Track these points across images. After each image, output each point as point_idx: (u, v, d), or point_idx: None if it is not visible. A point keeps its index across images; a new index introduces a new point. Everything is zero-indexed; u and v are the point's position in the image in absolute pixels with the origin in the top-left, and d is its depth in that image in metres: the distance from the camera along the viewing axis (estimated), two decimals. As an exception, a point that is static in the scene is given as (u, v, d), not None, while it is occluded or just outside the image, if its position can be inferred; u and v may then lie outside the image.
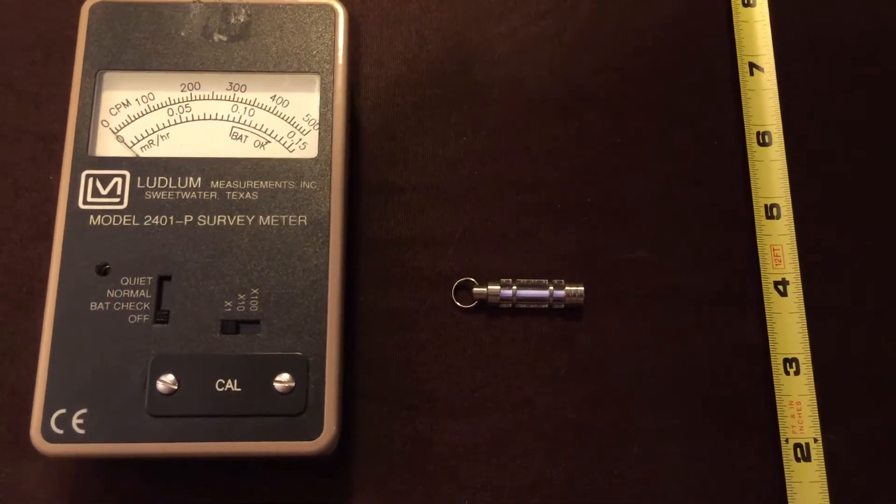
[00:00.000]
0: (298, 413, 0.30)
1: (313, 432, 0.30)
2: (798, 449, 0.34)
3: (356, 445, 0.34)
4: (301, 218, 0.32)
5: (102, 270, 0.31)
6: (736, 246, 0.37)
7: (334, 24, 0.35)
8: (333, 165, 0.33)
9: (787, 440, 0.34)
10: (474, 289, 0.36)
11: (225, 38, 0.34)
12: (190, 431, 0.30)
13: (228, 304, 0.31)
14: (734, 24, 0.40)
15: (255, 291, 0.31)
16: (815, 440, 0.34)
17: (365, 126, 0.38)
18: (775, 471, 0.34)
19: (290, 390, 0.30)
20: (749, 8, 0.40)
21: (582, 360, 0.35)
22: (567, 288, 0.35)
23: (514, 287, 0.35)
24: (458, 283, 0.36)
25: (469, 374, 0.35)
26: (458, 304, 0.36)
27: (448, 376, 0.35)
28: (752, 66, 0.39)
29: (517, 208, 0.37)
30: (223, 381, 0.30)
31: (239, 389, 0.30)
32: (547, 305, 0.35)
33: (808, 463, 0.34)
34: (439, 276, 0.36)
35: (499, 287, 0.35)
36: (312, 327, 0.31)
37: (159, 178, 0.33)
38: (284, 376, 0.30)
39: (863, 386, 0.35)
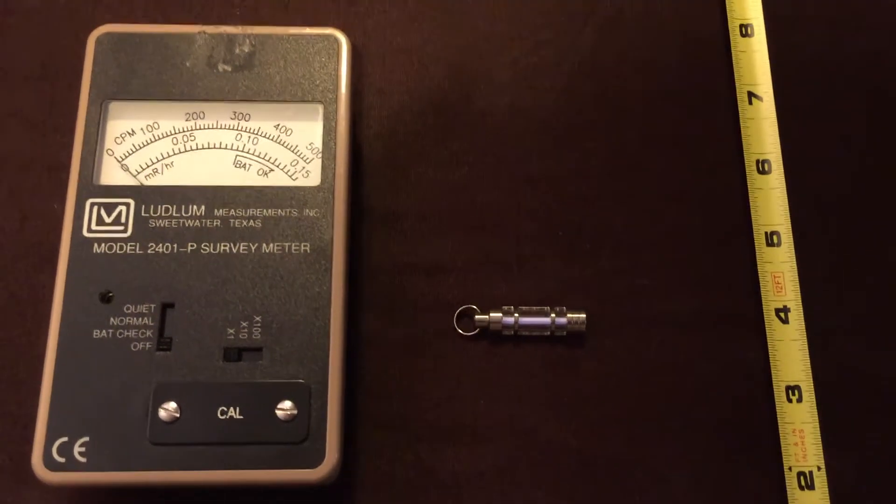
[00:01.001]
0: (301, 441, 0.30)
1: (315, 460, 0.30)
2: (801, 477, 0.34)
3: (359, 473, 0.34)
4: (304, 246, 0.33)
5: (106, 298, 0.31)
6: (738, 272, 0.37)
7: (337, 54, 0.35)
8: (336, 193, 0.33)
9: (790, 468, 0.34)
10: (476, 316, 0.36)
11: (229, 68, 0.35)
12: (192, 460, 0.30)
13: (231, 331, 0.31)
14: (733, 53, 0.40)
15: (257, 319, 0.32)
16: (819, 468, 0.34)
17: (367, 154, 0.39)
18: (780, 497, 0.34)
19: (293, 418, 0.30)
20: (747, 38, 0.40)
21: (585, 387, 0.35)
22: (569, 315, 0.35)
23: (516, 314, 0.35)
24: (460, 311, 0.36)
25: (471, 401, 0.35)
26: (460, 331, 0.36)
27: (450, 404, 0.35)
28: (750, 94, 0.39)
29: (519, 235, 0.37)
30: (225, 409, 0.30)
31: (241, 417, 0.30)
32: (549, 333, 0.36)
33: (811, 491, 0.34)
34: (441, 303, 0.36)
35: (501, 314, 0.35)
36: (315, 355, 0.31)
37: (163, 206, 0.33)
38: (287, 404, 0.30)
39: (866, 413, 0.35)
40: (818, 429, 0.34)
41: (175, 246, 0.32)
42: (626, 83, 0.40)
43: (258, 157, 0.34)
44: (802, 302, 0.36)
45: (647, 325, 0.36)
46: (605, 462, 0.34)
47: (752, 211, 0.38)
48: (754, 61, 0.40)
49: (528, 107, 0.39)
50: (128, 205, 0.33)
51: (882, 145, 0.39)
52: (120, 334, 0.31)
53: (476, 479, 0.34)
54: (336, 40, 0.36)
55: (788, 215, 0.37)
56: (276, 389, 0.31)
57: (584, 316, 0.35)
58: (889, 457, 0.35)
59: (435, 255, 0.37)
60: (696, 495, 0.34)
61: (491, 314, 0.36)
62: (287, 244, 0.33)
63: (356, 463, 0.34)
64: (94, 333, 0.31)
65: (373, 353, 0.35)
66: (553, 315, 0.35)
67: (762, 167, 0.38)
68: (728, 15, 0.41)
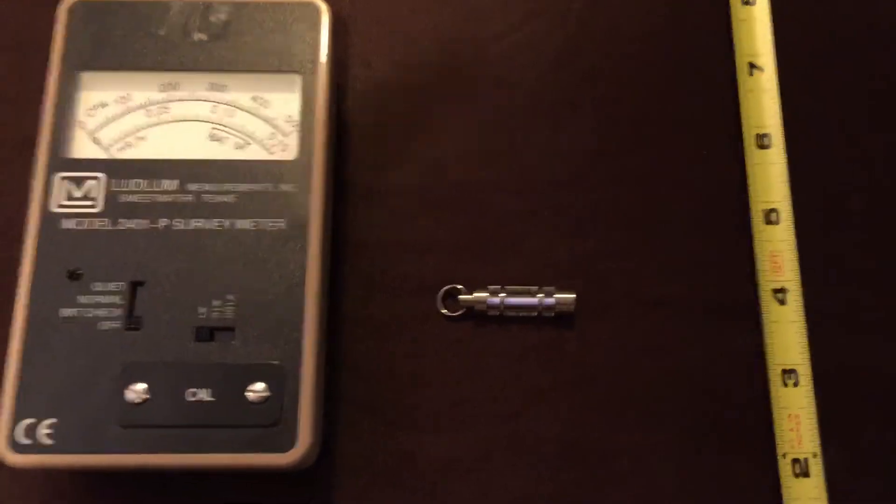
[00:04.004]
0: (272, 424, 0.29)
1: (287, 444, 0.29)
2: (796, 464, 0.33)
3: (336, 457, 0.33)
4: (279, 222, 0.31)
5: (74, 275, 0.30)
6: (733, 253, 0.36)
7: (317, 23, 0.34)
8: (313, 167, 0.32)
9: (784, 455, 0.33)
10: (461, 296, 0.35)
11: (205, 37, 0.34)
12: (160, 442, 0.29)
13: (203, 310, 0.30)
14: (733, 22, 0.38)
15: (230, 298, 0.30)
16: (815, 455, 0.33)
17: (352, 128, 0.37)
18: (773, 487, 0.33)
19: (265, 400, 0.29)
20: (749, 6, 0.38)
21: (572, 371, 0.34)
22: (557, 296, 0.34)
23: (503, 294, 0.34)
24: (445, 290, 0.35)
25: (454, 384, 0.34)
26: (444, 311, 0.35)
27: (433, 387, 0.34)
28: (751, 66, 0.38)
29: (507, 213, 0.36)
30: (195, 391, 0.29)
31: (212, 399, 0.29)
32: (536, 314, 0.34)
33: (806, 479, 0.32)
34: (425, 282, 0.35)
35: (486, 294, 0.34)
36: (288, 335, 0.30)
37: (135, 180, 0.32)
38: (258, 386, 0.29)
39: (865, 398, 0.34)
40: (814, 414, 0.33)
41: (146, 222, 0.31)
42: (619, 55, 0.38)
43: (234, 129, 0.33)
44: (801, 283, 0.35)
45: (638, 308, 0.35)
46: (591, 449, 0.33)
47: (751, 187, 0.36)
48: (755, 31, 0.38)
49: (517, 81, 0.38)
50: (98, 179, 0.32)
51: (887, 119, 0.38)
52: (88, 313, 0.30)
53: (457, 465, 0.33)
54: (316, 8, 0.34)
55: (788, 192, 0.36)
56: (248, 371, 0.30)
57: (573, 297, 0.34)
58: (888, 444, 0.33)
59: (419, 232, 0.36)
60: (686, 483, 0.33)
61: (476, 294, 0.34)
62: (262, 220, 0.31)
63: (334, 446, 0.33)
64: (62, 312, 0.30)
65: (353, 333, 0.34)
66: (540, 296, 0.34)
67: (762, 142, 0.37)
68: (729, -18, 0.39)
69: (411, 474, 0.33)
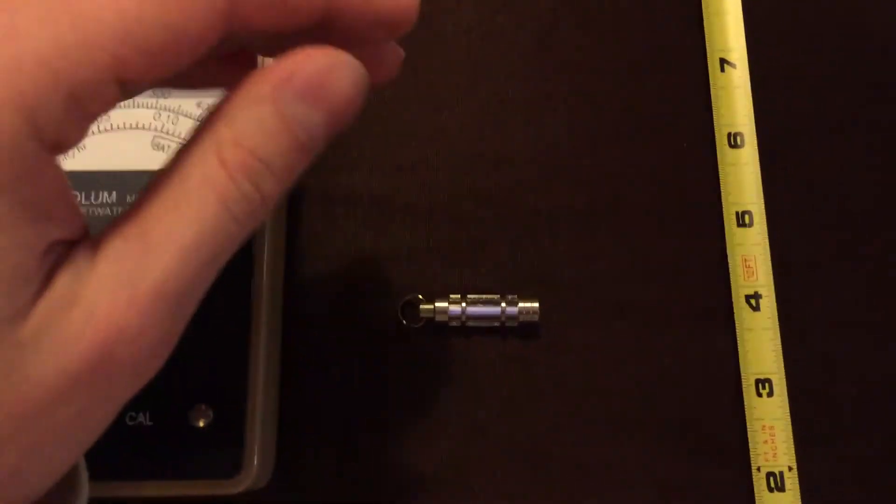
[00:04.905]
0: (218, 449, 0.28)
1: (234, 470, 0.28)
2: (771, 478, 0.31)
3: (294, 476, 0.31)
4: (224, 234, 0.30)
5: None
6: (706, 257, 0.34)
7: (264, 24, 0.32)
8: (261, 177, 0.30)
9: (759, 468, 0.31)
10: (421, 306, 0.33)
11: (146, 41, 0.32)
12: (97, 470, 0.27)
13: (144, 329, 0.29)
14: (704, 16, 0.37)
15: (173, 315, 0.29)
16: (790, 468, 0.31)
17: (307, 132, 0.36)
18: (748, 500, 0.31)
19: (209, 423, 0.28)
20: (720, -1, 0.37)
21: (538, 382, 0.33)
22: (521, 304, 0.33)
23: (464, 304, 0.33)
24: (406, 301, 0.34)
25: (416, 398, 0.33)
26: (404, 322, 0.33)
27: (393, 401, 0.32)
28: (722, 61, 0.36)
29: (472, 219, 0.35)
30: (134, 414, 0.28)
31: (151, 423, 0.28)
32: (499, 324, 0.33)
33: (781, 493, 0.31)
34: (386, 292, 0.34)
35: (446, 304, 0.33)
36: (236, 353, 0.29)
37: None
38: (203, 408, 0.28)
39: (841, 408, 0.32)
40: (790, 426, 0.32)
41: (84, 236, 0.30)
42: (589, 52, 0.37)
43: (178, 137, 0.31)
44: (775, 288, 0.33)
45: (607, 315, 0.34)
46: (560, 463, 0.32)
47: (723, 189, 0.35)
48: (727, 24, 0.37)
49: (483, 79, 0.36)
50: (34, 192, 0.30)
51: (864, 118, 0.36)
52: (23, 334, 0.28)
53: (419, 482, 0.31)
54: (263, 8, 0.32)
55: (762, 194, 0.34)
56: (192, 392, 0.28)
57: (536, 305, 0.33)
58: (866, 456, 0.32)
59: (380, 239, 0.34)
60: (659, 498, 0.32)
61: (436, 304, 0.33)
62: (206, 233, 0.30)
63: (290, 465, 0.31)
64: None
65: (311, 346, 0.33)
66: (503, 305, 0.33)
67: (734, 141, 0.35)
68: (700, -26, 0.38)
69: (373, 491, 0.31)
